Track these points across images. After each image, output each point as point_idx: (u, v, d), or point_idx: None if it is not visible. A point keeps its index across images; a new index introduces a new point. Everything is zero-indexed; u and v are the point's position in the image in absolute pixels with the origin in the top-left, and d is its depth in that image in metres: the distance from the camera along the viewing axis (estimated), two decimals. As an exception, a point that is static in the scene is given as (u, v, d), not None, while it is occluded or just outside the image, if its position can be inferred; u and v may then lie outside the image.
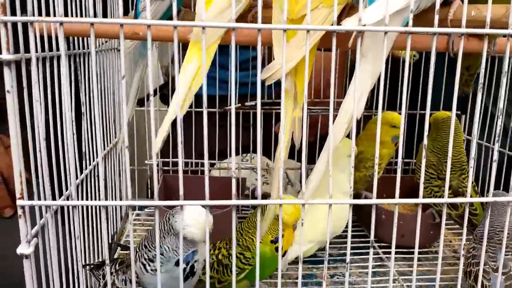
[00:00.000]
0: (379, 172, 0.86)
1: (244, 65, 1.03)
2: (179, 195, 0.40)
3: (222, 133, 0.86)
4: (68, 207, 0.49)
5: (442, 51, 0.52)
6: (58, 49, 0.49)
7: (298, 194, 1.01)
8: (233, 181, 0.41)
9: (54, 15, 0.47)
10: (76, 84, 0.60)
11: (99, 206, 0.64)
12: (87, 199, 0.64)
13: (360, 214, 0.92)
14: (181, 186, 0.40)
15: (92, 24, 0.37)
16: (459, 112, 0.95)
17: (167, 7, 0.60)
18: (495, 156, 0.42)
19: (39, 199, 0.43)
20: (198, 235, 0.50)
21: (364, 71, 0.41)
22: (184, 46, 0.48)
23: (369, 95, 0.96)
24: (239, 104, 0.96)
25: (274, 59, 0.45)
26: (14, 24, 0.37)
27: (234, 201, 0.41)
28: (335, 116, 0.42)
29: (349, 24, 0.39)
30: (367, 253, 0.44)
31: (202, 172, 0.99)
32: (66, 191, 0.51)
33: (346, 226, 0.45)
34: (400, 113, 0.94)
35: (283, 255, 0.63)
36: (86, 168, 0.63)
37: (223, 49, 0.51)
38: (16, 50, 0.39)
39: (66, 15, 0.50)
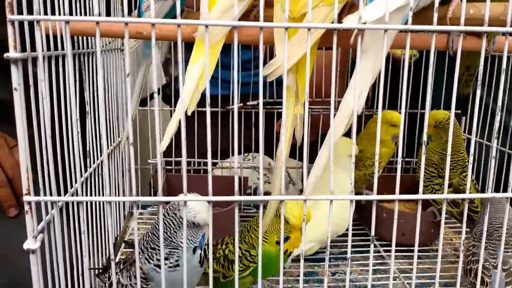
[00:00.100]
0: (378, 171, 0.86)
1: (246, 65, 1.04)
2: (183, 192, 0.41)
3: (224, 132, 0.87)
4: (73, 203, 0.49)
5: (442, 50, 0.52)
6: (63, 48, 0.50)
7: (300, 192, 1.02)
8: (236, 178, 0.41)
9: (59, 14, 0.48)
10: (81, 83, 0.61)
11: (104, 202, 0.66)
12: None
13: (361, 213, 0.93)
14: (185, 182, 0.41)
15: (97, 22, 0.37)
16: (459, 112, 0.96)
17: (170, 7, 0.61)
18: (494, 153, 0.43)
19: (45, 195, 0.44)
20: (207, 218, 0.53)
21: (365, 67, 0.42)
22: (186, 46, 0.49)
23: (370, 94, 0.97)
24: (241, 104, 0.97)
25: (275, 57, 0.46)
26: (20, 23, 0.38)
27: (236, 197, 0.42)
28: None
29: (349, 21, 0.40)
30: (369, 251, 0.45)
31: (205, 171, 1.00)
32: (71, 188, 0.51)
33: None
34: (400, 112, 0.95)
35: (288, 255, 0.63)
36: (90, 166, 0.64)
37: (225, 49, 0.51)
38: (22, 49, 0.40)
39: (70, 15, 0.51)
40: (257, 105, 0.97)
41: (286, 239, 0.60)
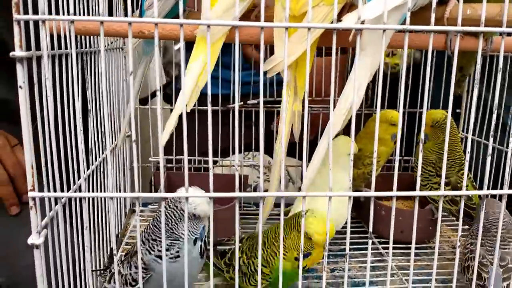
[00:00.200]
0: (377, 170, 0.87)
1: (246, 65, 1.04)
2: (184, 188, 0.42)
3: (225, 132, 0.88)
4: (75, 200, 0.50)
5: (441, 49, 0.53)
6: (66, 47, 0.50)
7: (299, 190, 1.02)
8: (236, 175, 0.42)
9: (63, 14, 0.49)
10: (83, 81, 0.62)
11: (107, 198, 0.67)
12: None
13: (360, 212, 0.93)
14: (187, 179, 0.42)
15: (101, 22, 0.38)
16: (458, 110, 0.97)
17: (171, 6, 0.61)
18: (490, 151, 0.44)
19: (48, 191, 0.44)
20: (207, 210, 0.54)
21: (363, 64, 0.43)
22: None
23: (370, 93, 0.98)
24: (242, 103, 0.98)
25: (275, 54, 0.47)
26: (26, 22, 0.39)
27: (237, 194, 0.42)
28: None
29: (348, 20, 0.41)
30: (367, 249, 0.46)
31: (205, 169, 1.01)
32: (73, 185, 0.52)
33: (346, 222, 0.46)
34: (403, 113, 0.95)
35: (306, 271, 0.62)
36: (92, 164, 0.65)
37: (225, 49, 0.52)
38: (27, 48, 0.41)
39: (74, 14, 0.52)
40: (257, 104, 0.98)
41: (307, 255, 0.59)
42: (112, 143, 0.80)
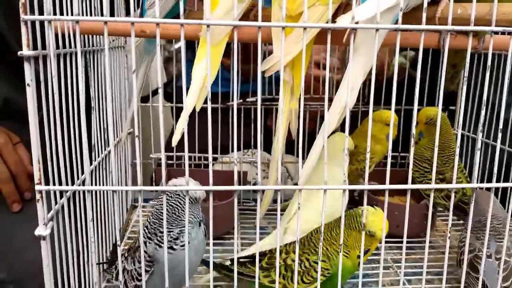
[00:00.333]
0: (371, 166, 0.89)
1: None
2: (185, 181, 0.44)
3: (225, 130, 0.89)
4: (81, 192, 0.52)
5: (434, 47, 0.55)
6: (70, 46, 0.52)
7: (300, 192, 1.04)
8: (235, 169, 0.44)
9: (67, 14, 0.51)
10: (86, 79, 0.63)
11: (111, 192, 0.69)
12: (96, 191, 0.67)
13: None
14: (187, 173, 0.43)
15: (105, 22, 0.40)
16: (453, 108, 0.98)
17: (172, 6, 0.63)
18: (479, 145, 0.45)
19: (54, 185, 0.46)
20: (203, 192, 0.58)
21: (357, 63, 0.44)
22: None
23: (367, 91, 0.98)
24: (241, 100, 0.99)
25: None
26: (32, 22, 0.41)
27: (236, 187, 0.44)
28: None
29: (343, 21, 0.42)
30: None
31: (205, 165, 1.02)
32: (77, 180, 0.54)
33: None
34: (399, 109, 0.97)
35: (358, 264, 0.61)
36: (95, 160, 0.66)
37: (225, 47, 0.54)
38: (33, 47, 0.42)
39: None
40: (256, 101, 0.99)
41: (367, 251, 0.60)
42: (114, 140, 0.82)
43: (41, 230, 0.43)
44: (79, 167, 0.53)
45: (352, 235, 0.60)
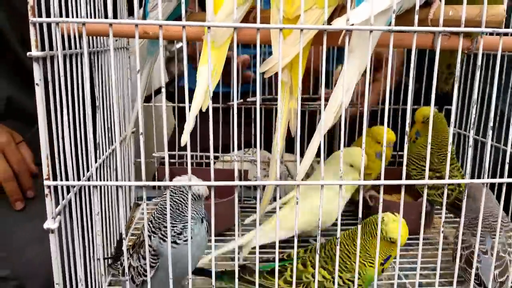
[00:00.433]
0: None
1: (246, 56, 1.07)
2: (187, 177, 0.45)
3: (226, 130, 0.91)
4: (86, 187, 0.53)
5: (428, 48, 0.56)
6: (76, 47, 0.54)
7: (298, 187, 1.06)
8: (236, 165, 0.46)
9: (72, 16, 0.53)
10: (91, 79, 0.65)
11: (113, 187, 0.71)
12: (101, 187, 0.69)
13: (368, 213, 0.96)
14: (189, 169, 0.45)
15: (110, 24, 0.42)
16: (450, 107, 0.99)
17: (174, 8, 0.64)
18: (471, 142, 0.47)
19: (61, 180, 0.48)
20: (206, 190, 0.60)
21: (352, 65, 0.46)
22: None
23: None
24: (242, 100, 1.01)
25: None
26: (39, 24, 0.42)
27: (237, 182, 0.46)
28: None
29: (338, 23, 0.44)
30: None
31: (207, 164, 1.04)
32: (83, 177, 0.56)
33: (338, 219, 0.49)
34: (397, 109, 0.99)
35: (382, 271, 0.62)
36: (99, 158, 0.68)
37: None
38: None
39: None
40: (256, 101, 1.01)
41: (389, 257, 0.60)
42: (120, 137, 0.83)
43: (50, 224, 0.45)
44: (85, 164, 0.55)
45: (374, 243, 0.59)
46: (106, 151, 0.71)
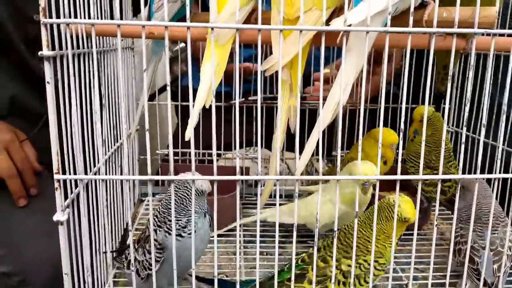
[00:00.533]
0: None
1: (248, 62, 1.09)
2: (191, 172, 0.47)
3: (228, 129, 0.93)
4: (93, 181, 0.55)
5: (424, 49, 0.58)
6: (84, 47, 0.56)
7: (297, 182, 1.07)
8: (237, 161, 0.48)
9: (79, 17, 0.55)
10: (98, 77, 0.67)
11: (117, 182, 0.72)
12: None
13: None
14: (193, 164, 0.47)
15: (118, 25, 0.44)
16: (449, 106, 1.01)
17: (178, 9, 0.66)
18: (463, 139, 0.49)
19: (69, 174, 0.50)
20: (209, 185, 0.62)
21: (349, 63, 0.48)
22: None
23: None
24: (243, 99, 1.03)
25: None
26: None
27: (238, 177, 0.48)
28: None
29: (336, 24, 0.46)
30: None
31: (209, 161, 1.06)
32: (90, 172, 0.58)
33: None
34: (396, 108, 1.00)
35: None
36: (105, 154, 0.70)
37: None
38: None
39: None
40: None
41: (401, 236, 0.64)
42: (119, 139, 0.85)
43: (59, 216, 0.47)
44: (91, 160, 0.57)
45: (389, 224, 0.62)
46: (111, 148, 0.73)
